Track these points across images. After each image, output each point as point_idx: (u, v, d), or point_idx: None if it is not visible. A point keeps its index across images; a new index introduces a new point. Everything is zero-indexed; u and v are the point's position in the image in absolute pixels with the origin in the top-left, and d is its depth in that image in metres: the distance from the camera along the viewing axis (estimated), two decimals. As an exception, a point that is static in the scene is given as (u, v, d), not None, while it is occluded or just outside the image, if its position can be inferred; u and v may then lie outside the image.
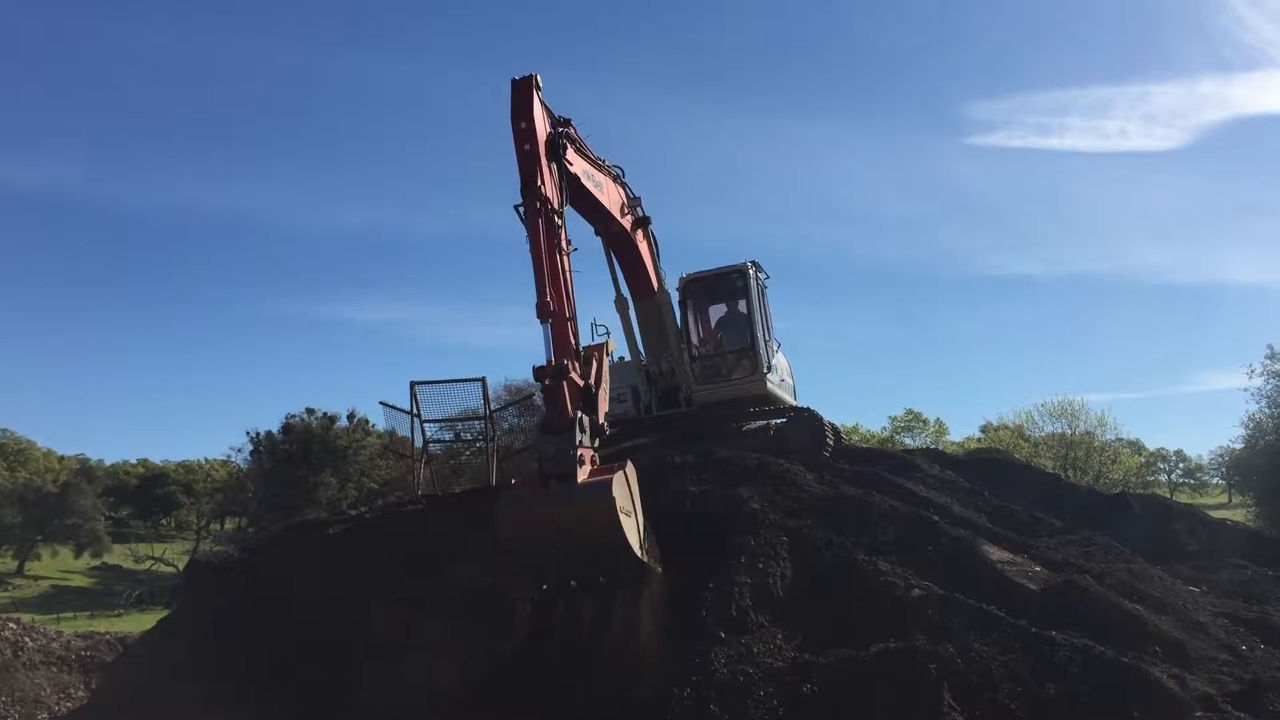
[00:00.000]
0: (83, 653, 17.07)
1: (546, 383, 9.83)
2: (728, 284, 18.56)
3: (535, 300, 10.17)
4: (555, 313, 10.08)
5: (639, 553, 9.52)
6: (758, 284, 18.43)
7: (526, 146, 10.96)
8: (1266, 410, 34.44)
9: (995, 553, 11.60)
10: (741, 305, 18.45)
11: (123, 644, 17.31)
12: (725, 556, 11.30)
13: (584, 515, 9.23)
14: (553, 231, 10.64)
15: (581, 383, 10.03)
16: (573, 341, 10.25)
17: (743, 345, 18.13)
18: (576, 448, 9.46)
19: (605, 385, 11.46)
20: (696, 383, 17.93)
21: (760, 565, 11.12)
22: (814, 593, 10.85)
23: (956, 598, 9.94)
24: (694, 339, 18.43)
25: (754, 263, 18.48)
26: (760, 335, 18.06)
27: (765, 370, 17.95)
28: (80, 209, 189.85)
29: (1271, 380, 33.78)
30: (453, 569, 11.75)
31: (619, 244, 15.76)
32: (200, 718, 11.72)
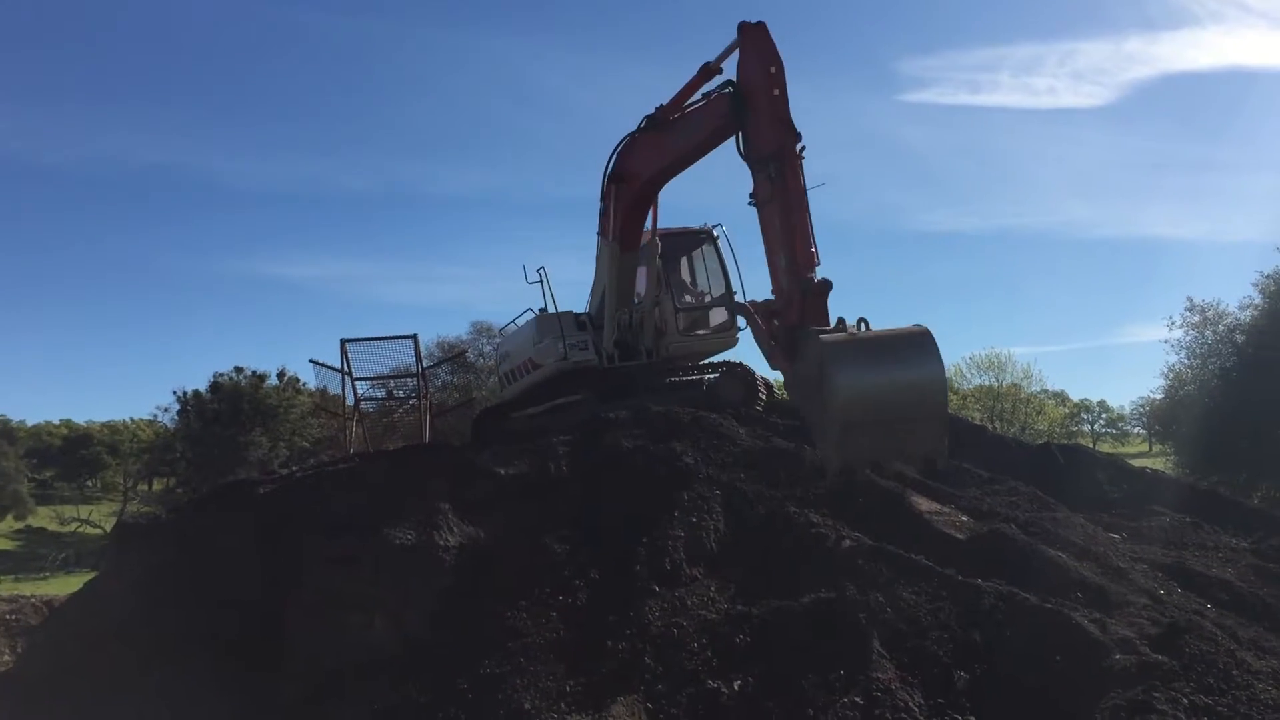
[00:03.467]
0: (8, 616, 16.77)
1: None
2: (695, 242, 18.60)
3: (800, 254, 11.09)
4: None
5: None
6: (728, 244, 18.49)
7: (775, 91, 11.68)
8: (1185, 361, 35.28)
9: (924, 504, 11.80)
10: (713, 263, 18.54)
11: (49, 607, 17.01)
12: (659, 511, 11.38)
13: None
14: None
15: None
16: None
17: (724, 301, 18.22)
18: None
19: None
20: (680, 334, 17.98)
21: (694, 519, 11.22)
22: (747, 545, 10.98)
23: (886, 548, 10.10)
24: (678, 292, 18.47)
25: (719, 225, 18.61)
26: (737, 292, 18.11)
27: (742, 326, 18.02)
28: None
29: (1191, 332, 34.56)
30: (387, 527, 11.68)
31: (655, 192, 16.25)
32: (130, 681, 11.60)
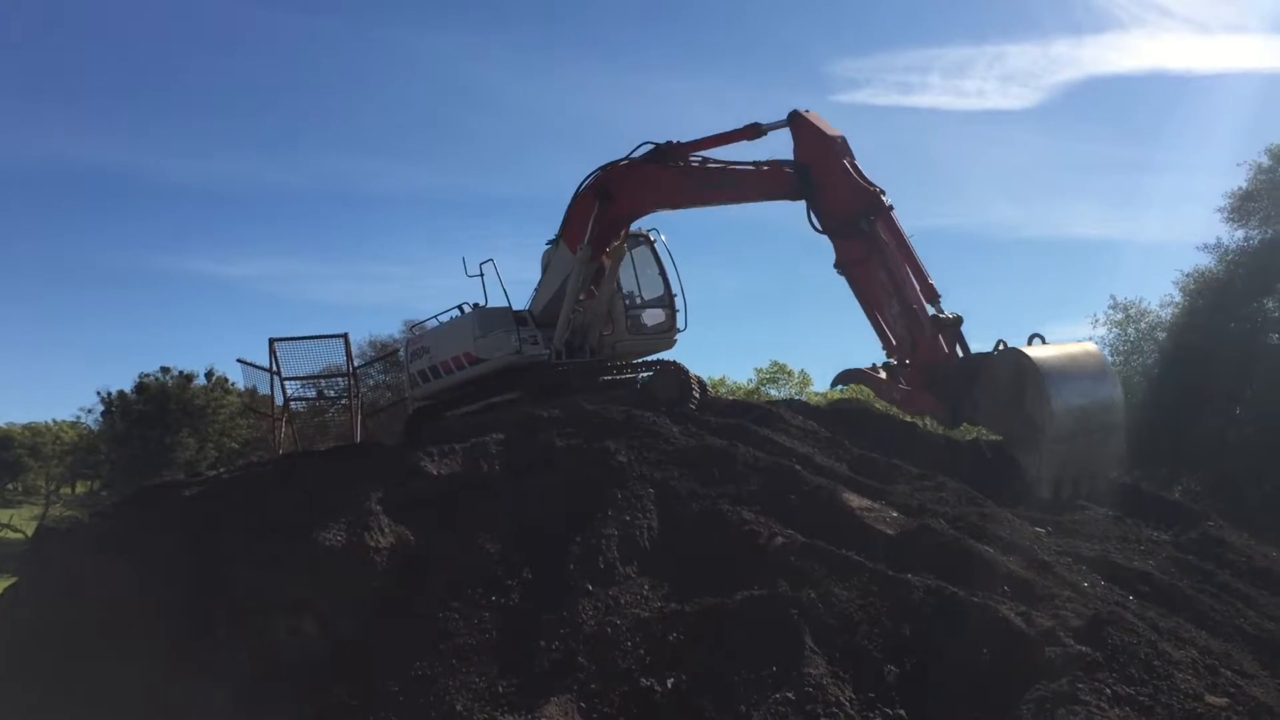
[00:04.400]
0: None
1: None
2: (632, 244, 18.72)
3: (920, 286, 12.04)
4: None
5: None
6: (665, 248, 18.93)
7: (846, 160, 12.94)
8: (1109, 359, 35.94)
9: (855, 500, 11.89)
10: (649, 265, 18.99)
11: (-33, 614, 16.52)
12: (592, 509, 11.36)
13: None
14: None
15: None
16: None
17: (667, 302, 18.79)
18: None
19: None
20: (629, 334, 18.54)
21: (627, 517, 11.22)
22: (680, 543, 11.00)
23: (818, 544, 10.17)
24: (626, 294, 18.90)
25: (655, 229, 18.94)
26: (678, 294, 18.76)
27: (682, 328, 18.84)
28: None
29: (1114, 330, 35.25)
30: (317, 528, 11.52)
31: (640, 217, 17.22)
32: (52, 686, 11.34)
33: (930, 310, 11.23)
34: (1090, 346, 10.46)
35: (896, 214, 11.64)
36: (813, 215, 12.43)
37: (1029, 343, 10.27)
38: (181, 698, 10.54)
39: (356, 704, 9.33)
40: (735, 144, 14.34)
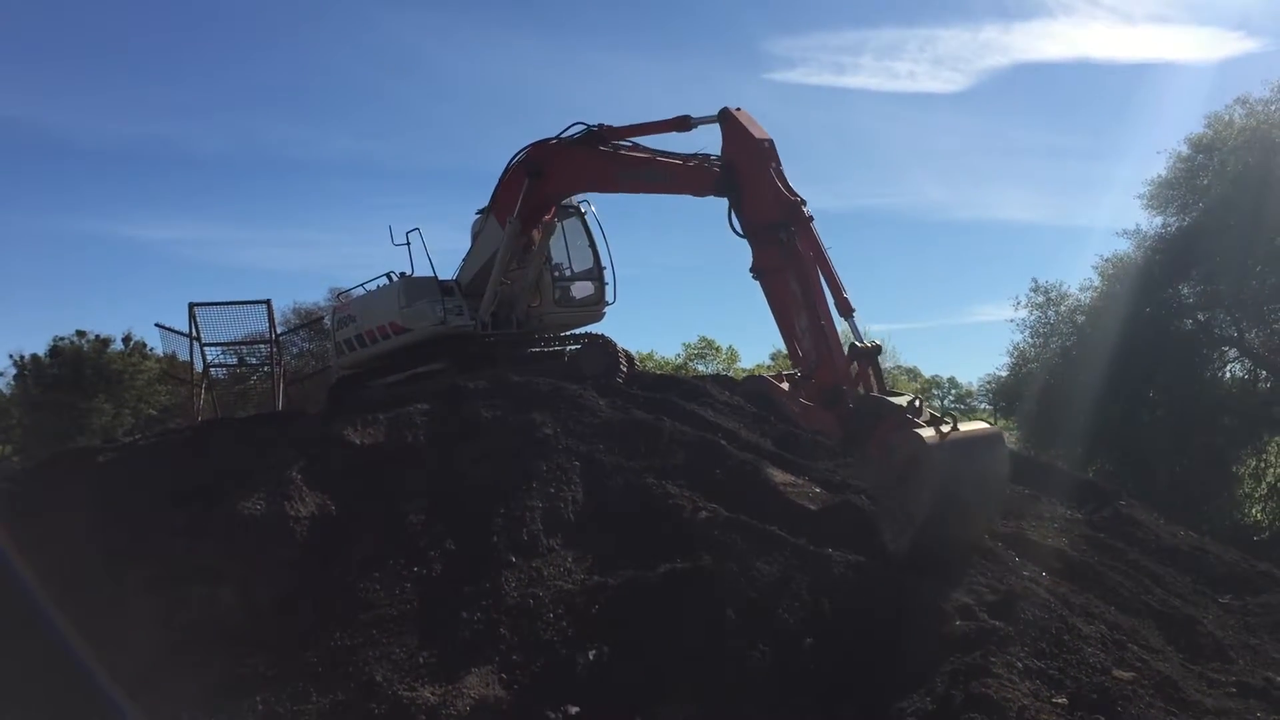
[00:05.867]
0: None
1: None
2: (562, 215, 18.59)
3: (834, 301, 11.44)
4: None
5: None
6: (595, 219, 18.93)
7: (773, 164, 12.32)
8: (1029, 340, 36.52)
9: (779, 475, 12.00)
10: (579, 237, 18.96)
11: None
12: (516, 481, 11.33)
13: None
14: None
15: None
16: None
17: (596, 275, 18.77)
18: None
19: None
20: (557, 307, 18.57)
21: (552, 490, 11.20)
22: (604, 516, 11.01)
23: (741, 519, 10.23)
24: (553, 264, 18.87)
25: (586, 200, 18.80)
26: (608, 267, 18.76)
27: (611, 301, 18.81)
28: None
29: (1035, 312, 35.85)
30: (235, 496, 11.35)
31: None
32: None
33: (843, 325, 11.28)
34: (991, 430, 10.73)
35: (816, 225, 11.65)
36: (733, 217, 12.41)
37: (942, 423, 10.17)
38: (93, 668, 10.32)
39: (274, 674, 9.21)
40: (665, 135, 14.31)
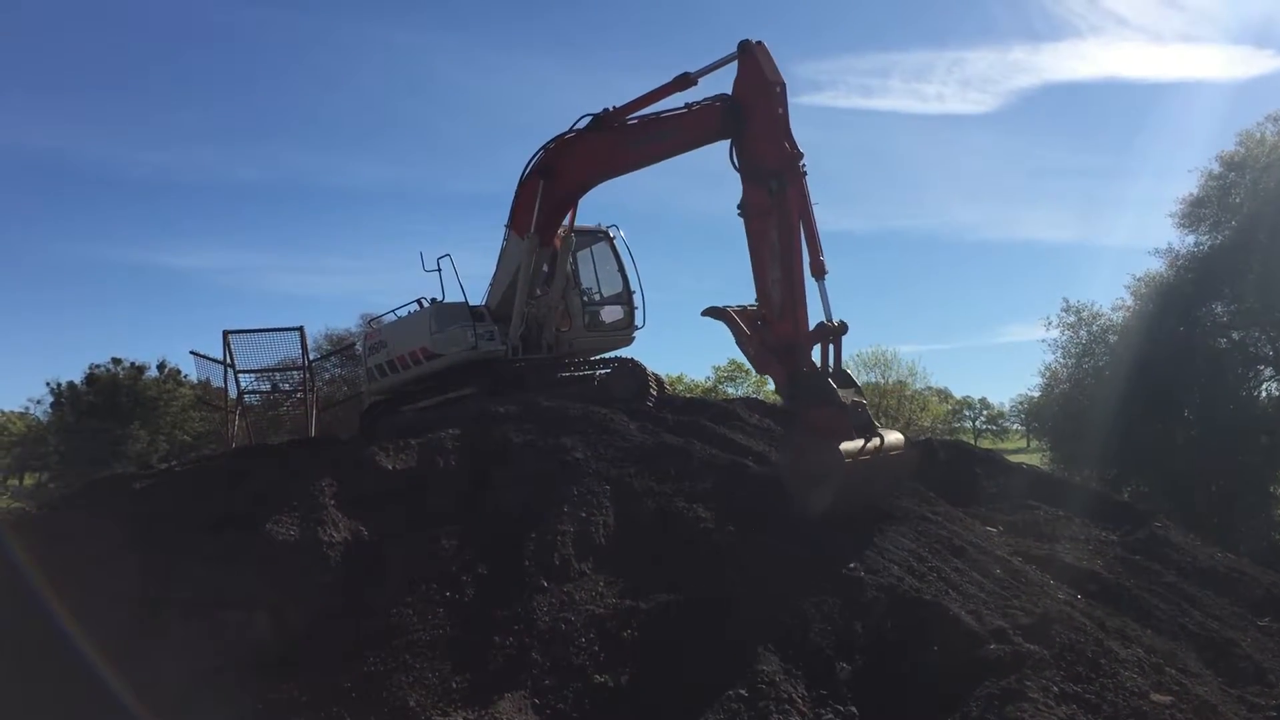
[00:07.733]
0: None
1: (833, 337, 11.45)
2: (592, 240, 18.80)
3: (810, 260, 11.60)
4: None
5: None
6: (624, 244, 19.02)
7: (780, 110, 12.12)
8: (1061, 360, 36.44)
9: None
10: (608, 262, 19.09)
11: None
12: (547, 506, 11.35)
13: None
14: None
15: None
16: None
17: (625, 300, 18.93)
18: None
19: None
20: (587, 331, 18.62)
21: (583, 514, 11.21)
22: (635, 540, 11.01)
23: (771, 542, 10.22)
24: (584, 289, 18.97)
25: (615, 225, 19.05)
26: (637, 292, 18.89)
27: (640, 325, 18.91)
28: None
29: (1066, 332, 35.73)
30: (269, 522, 11.42)
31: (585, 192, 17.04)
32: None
33: (816, 286, 11.55)
34: (910, 453, 11.51)
35: (808, 182, 11.76)
36: (734, 152, 12.47)
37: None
38: (129, 694, 10.40)
39: (308, 700, 9.24)
40: (669, 98, 14.28)
